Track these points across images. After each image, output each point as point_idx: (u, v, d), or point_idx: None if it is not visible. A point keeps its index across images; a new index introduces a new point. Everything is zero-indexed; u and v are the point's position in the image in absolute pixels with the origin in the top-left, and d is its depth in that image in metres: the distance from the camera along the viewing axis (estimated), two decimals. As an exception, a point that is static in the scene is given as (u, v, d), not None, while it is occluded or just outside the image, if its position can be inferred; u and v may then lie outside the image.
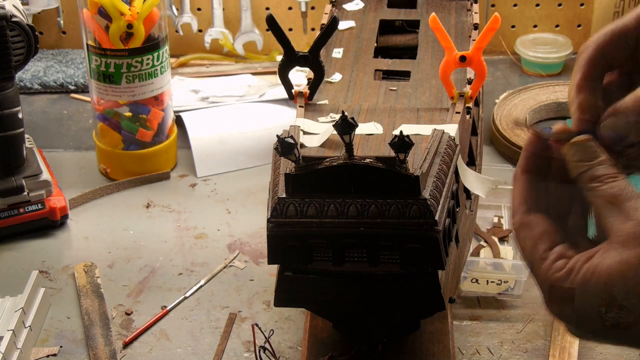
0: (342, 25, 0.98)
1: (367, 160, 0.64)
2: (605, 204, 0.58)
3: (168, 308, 0.91)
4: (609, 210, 0.57)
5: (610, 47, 0.63)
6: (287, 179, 0.66)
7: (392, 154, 0.63)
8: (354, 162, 0.64)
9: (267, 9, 1.44)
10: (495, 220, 1.04)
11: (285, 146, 0.63)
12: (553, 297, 0.59)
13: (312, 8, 1.44)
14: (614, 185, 0.58)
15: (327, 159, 0.65)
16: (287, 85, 0.81)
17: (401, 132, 0.62)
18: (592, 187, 0.59)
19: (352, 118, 0.62)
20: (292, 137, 0.63)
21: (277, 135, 0.64)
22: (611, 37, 0.63)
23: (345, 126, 0.62)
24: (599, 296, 0.57)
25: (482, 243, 0.98)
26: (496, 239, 0.99)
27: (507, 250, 0.97)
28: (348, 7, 1.03)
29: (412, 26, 0.99)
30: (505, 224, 1.03)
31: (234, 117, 1.23)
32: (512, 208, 0.63)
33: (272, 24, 0.78)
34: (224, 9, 1.42)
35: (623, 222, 0.56)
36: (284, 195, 0.67)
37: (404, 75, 0.88)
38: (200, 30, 1.45)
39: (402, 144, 0.61)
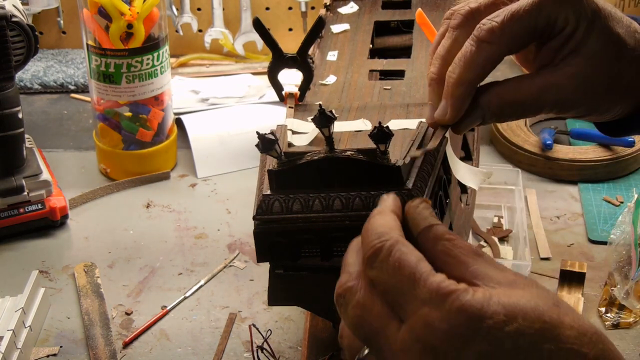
0: (337, 28, 0.98)
1: (348, 153, 0.64)
2: (470, 254, 0.52)
3: (168, 308, 0.91)
4: (475, 260, 0.52)
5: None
6: (270, 176, 0.66)
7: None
8: (334, 155, 0.64)
9: (268, 8, 1.45)
10: (495, 220, 1.04)
11: (266, 142, 0.63)
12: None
13: (312, 8, 1.44)
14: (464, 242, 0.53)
15: (309, 154, 0.65)
16: (277, 87, 0.82)
17: (380, 122, 0.61)
18: (448, 239, 0.53)
19: (331, 111, 0.62)
20: (272, 133, 0.63)
21: (257, 132, 0.64)
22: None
23: (323, 119, 0.62)
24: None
25: (482, 243, 0.98)
26: (496, 239, 0.99)
27: (507, 250, 0.97)
28: (342, 10, 1.03)
29: (408, 26, 0.99)
30: (505, 224, 1.03)
31: (234, 118, 1.23)
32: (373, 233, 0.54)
33: (259, 27, 0.78)
34: (224, 9, 1.42)
35: (500, 270, 0.51)
36: (268, 192, 0.67)
37: (399, 74, 0.88)
38: (200, 30, 1.45)
39: (382, 134, 0.61)
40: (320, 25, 0.78)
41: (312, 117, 0.76)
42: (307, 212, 0.66)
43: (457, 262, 0.52)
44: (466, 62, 0.62)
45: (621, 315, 0.88)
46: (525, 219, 0.98)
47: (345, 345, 0.55)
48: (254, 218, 0.67)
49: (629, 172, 1.15)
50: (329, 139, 0.64)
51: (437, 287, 0.49)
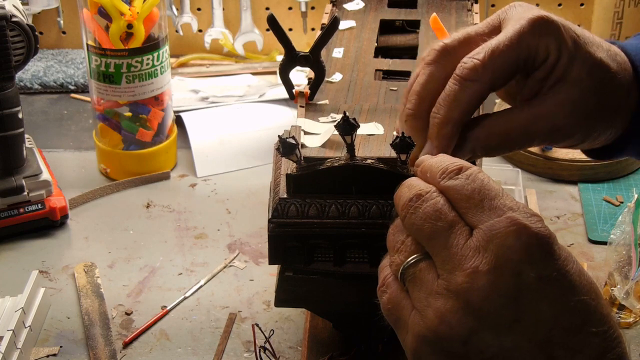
0: (343, 25, 0.97)
1: (369, 161, 0.64)
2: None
3: (168, 308, 0.91)
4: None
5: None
6: (288, 180, 0.66)
7: (393, 154, 0.63)
8: (355, 163, 0.64)
9: (267, 8, 1.45)
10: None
11: (287, 147, 0.63)
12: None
13: (312, 8, 1.44)
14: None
15: (329, 160, 0.65)
16: (288, 85, 0.81)
17: (402, 132, 0.62)
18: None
19: (354, 119, 0.62)
20: (293, 137, 0.63)
21: (279, 136, 0.64)
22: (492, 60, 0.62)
23: (347, 127, 0.62)
24: None
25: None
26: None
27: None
28: (348, 6, 1.03)
29: (413, 26, 0.99)
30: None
31: (234, 117, 1.23)
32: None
33: (273, 24, 0.77)
34: (224, 9, 1.42)
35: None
36: (285, 196, 0.67)
37: (404, 75, 0.88)
38: (200, 30, 1.45)
39: (403, 144, 0.62)
40: (335, 25, 0.78)
41: (325, 118, 0.77)
42: (323, 218, 0.66)
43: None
44: (450, 102, 0.62)
45: (621, 315, 0.88)
46: (525, 219, 0.98)
47: (400, 249, 0.57)
48: (269, 221, 0.67)
49: (629, 172, 1.15)
50: (350, 147, 0.64)
51: (524, 206, 0.53)
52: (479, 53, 0.62)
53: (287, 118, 1.21)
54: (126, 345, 0.85)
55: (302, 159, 0.65)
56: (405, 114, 0.66)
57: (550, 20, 0.64)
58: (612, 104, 0.66)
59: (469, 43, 0.65)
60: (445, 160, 0.57)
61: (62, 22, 1.45)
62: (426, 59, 0.66)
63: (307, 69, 0.82)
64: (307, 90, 0.81)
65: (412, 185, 0.57)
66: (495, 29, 0.65)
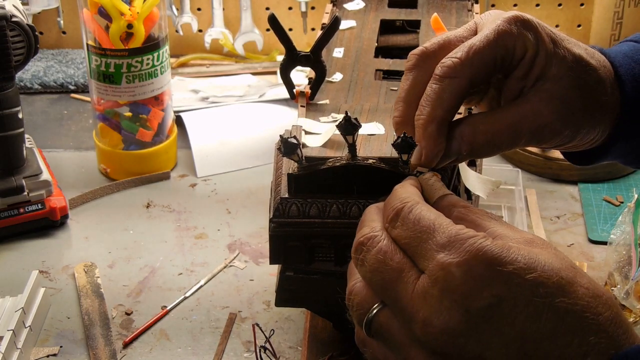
0: (343, 24, 0.98)
1: (370, 161, 0.65)
2: (485, 217, 0.56)
3: (168, 308, 0.91)
4: (491, 222, 0.56)
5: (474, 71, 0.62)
6: (289, 179, 0.67)
7: (395, 154, 0.64)
8: (357, 163, 0.64)
9: (267, 8, 1.45)
10: (496, 220, 1.03)
11: (289, 146, 0.63)
12: None
13: (312, 8, 1.44)
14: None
15: (330, 160, 0.66)
16: (289, 84, 0.81)
17: (404, 133, 0.62)
18: (463, 205, 0.58)
19: (356, 119, 0.62)
20: (295, 137, 0.64)
21: (281, 136, 0.64)
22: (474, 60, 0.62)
23: (349, 127, 0.62)
24: None
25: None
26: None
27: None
28: (349, 6, 1.03)
29: (413, 26, 0.99)
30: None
31: (234, 117, 1.23)
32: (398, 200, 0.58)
33: (274, 24, 0.78)
34: (224, 9, 1.42)
35: (517, 231, 0.54)
36: (286, 195, 0.67)
37: None
38: (200, 30, 1.45)
39: (405, 144, 0.62)
40: (336, 25, 0.78)
41: (325, 118, 0.77)
42: (324, 217, 0.66)
43: (474, 225, 0.55)
44: (433, 100, 0.61)
45: (621, 315, 0.88)
46: (525, 219, 0.98)
47: (355, 303, 0.57)
48: (270, 220, 0.67)
49: (629, 172, 1.15)
50: (352, 146, 0.64)
51: (456, 233, 0.51)
52: (458, 52, 0.62)
53: (287, 118, 1.21)
54: (126, 345, 0.85)
55: (304, 158, 0.65)
56: (393, 122, 0.65)
57: (527, 19, 0.64)
58: (596, 99, 0.66)
59: (448, 46, 0.64)
60: (390, 204, 0.56)
61: (62, 22, 1.45)
62: (406, 65, 0.65)
63: (307, 69, 0.82)
64: (307, 90, 0.81)
65: (364, 224, 0.57)
66: (474, 33, 0.66)
